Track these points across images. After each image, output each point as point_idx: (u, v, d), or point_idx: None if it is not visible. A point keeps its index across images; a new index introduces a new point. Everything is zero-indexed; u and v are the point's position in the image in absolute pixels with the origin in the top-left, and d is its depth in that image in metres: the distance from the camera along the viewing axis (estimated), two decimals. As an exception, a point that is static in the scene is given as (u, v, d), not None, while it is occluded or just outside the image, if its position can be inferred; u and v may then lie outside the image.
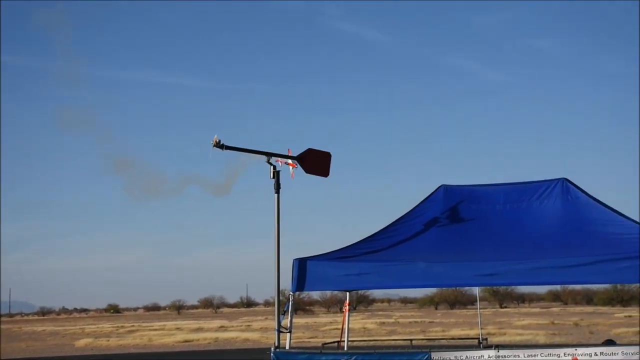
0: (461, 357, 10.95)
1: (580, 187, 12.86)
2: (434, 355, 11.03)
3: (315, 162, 12.67)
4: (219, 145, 11.84)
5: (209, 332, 49.54)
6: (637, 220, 12.22)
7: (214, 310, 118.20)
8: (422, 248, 12.53)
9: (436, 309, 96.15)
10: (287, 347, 11.90)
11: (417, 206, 13.59)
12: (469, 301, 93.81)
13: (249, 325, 57.38)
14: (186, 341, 42.58)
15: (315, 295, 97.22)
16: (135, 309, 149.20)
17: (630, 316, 58.66)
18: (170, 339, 43.73)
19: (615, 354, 10.42)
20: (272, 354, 11.66)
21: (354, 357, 11.43)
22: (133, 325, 66.81)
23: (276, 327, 11.89)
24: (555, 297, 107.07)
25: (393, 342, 22.21)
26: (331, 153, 12.91)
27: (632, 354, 10.32)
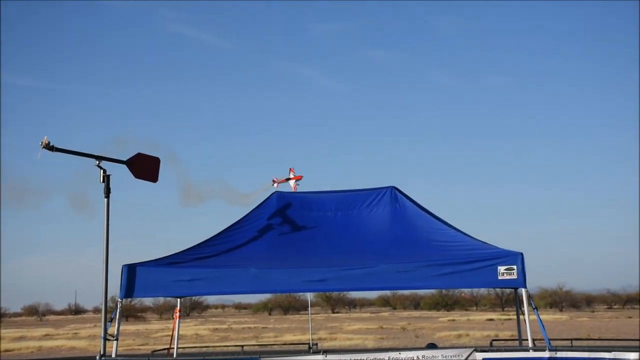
0: (290, 363, 11.06)
1: (408, 195, 13.37)
2: (263, 361, 11.07)
3: (145, 167, 12.38)
4: (48, 147, 11.36)
5: (32, 340, 47.26)
6: (459, 229, 12.87)
7: (39, 318, 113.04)
8: (254, 254, 12.57)
9: (270, 314, 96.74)
10: (114, 355, 11.57)
11: (250, 212, 13.62)
12: (303, 307, 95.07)
13: (76, 333, 55.24)
14: (6, 350, 40.37)
15: (148, 301, 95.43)
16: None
17: (453, 320, 61.53)
18: (-12, 349, 41.34)
19: (435, 357, 10.89)
20: (97, 363, 11.31)
21: None
22: (-53, 335, 62.67)
23: (102, 335, 11.52)
24: (385, 302, 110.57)
25: (224, 349, 22.10)
26: (160, 158, 12.66)
27: (452, 357, 10.83)
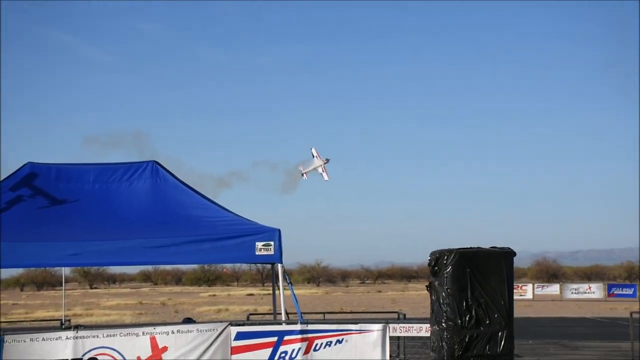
0: (37, 339, 10.59)
1: (169, 169, 13.24)
2: (7, 338, 10.51)
3: None
4: None
5: None
6: (220, 204, 12.97)
7: None
8: (4, 227, 11.83)
9: (22, 290, 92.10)
10: None
11: (-1, 182, 12.79)
12: (58, 282, 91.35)
13: None
14: None
15: None
16: None
17: (214, 295, 62.17)
18: None
19: (190, 331, 10.93)
20: None
21: None
22: None
23: None
24: (147, 278, 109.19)
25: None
26: None
27: (206, 331, 10.92)
